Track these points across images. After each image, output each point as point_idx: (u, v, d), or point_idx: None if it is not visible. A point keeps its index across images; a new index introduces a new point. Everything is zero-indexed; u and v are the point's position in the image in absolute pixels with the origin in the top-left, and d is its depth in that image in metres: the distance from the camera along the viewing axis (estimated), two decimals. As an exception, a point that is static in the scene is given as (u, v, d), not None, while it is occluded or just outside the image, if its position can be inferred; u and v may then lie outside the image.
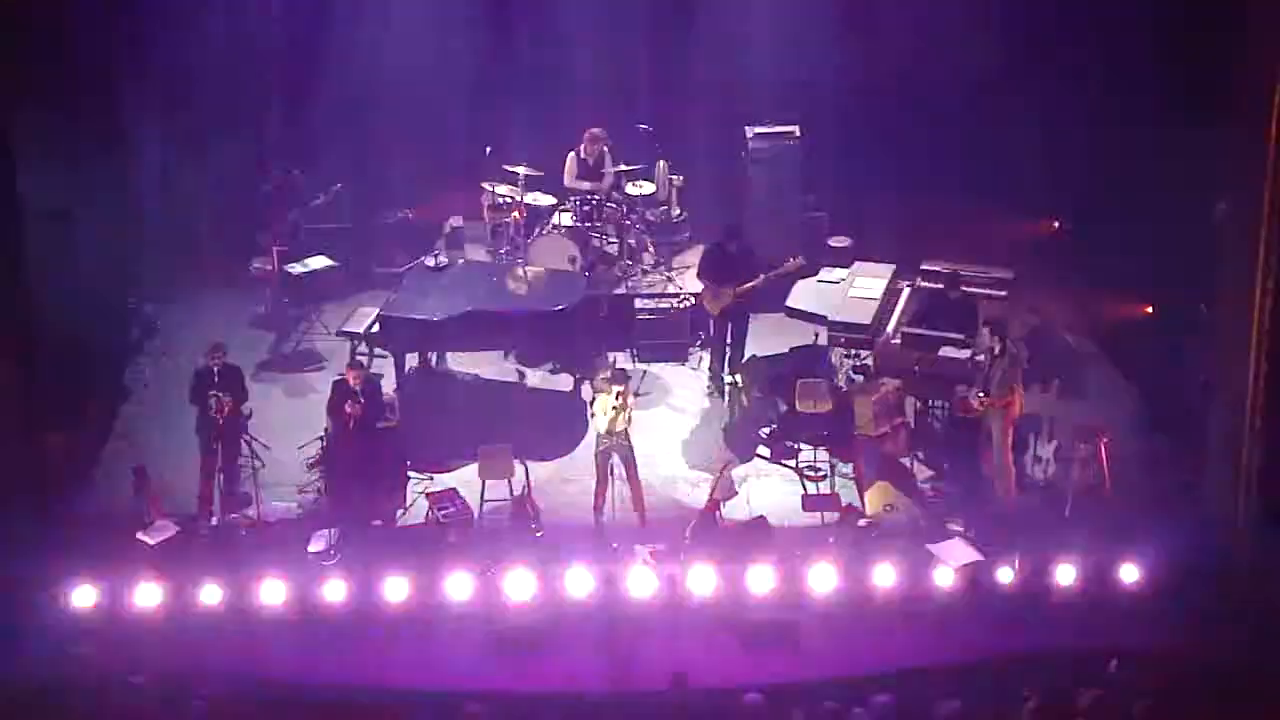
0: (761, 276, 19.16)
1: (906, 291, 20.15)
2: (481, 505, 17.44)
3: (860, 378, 19.05)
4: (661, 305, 20.51)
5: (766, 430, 18.81)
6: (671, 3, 21.87)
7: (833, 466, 18.07)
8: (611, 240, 21.38)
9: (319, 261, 21.06)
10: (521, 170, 20.87)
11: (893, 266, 20.59)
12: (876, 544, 16.70)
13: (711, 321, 19.60)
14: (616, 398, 16.85)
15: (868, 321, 19.50)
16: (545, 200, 21.23)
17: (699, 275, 19.67)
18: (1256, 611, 15.70)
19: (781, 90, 21.85)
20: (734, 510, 17.35)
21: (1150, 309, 19.88)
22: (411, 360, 19.46)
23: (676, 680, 14.44)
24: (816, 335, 19.41)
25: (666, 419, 19.20)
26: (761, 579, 16.22)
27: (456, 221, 21.81)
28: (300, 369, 20.15)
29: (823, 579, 16.22)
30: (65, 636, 15.65)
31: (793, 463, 18.39)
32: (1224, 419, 16.77)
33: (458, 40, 21.66)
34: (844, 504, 17.50)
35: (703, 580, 16.22)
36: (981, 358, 17.35)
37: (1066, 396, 18.44)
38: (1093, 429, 17.59)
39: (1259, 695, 14.36)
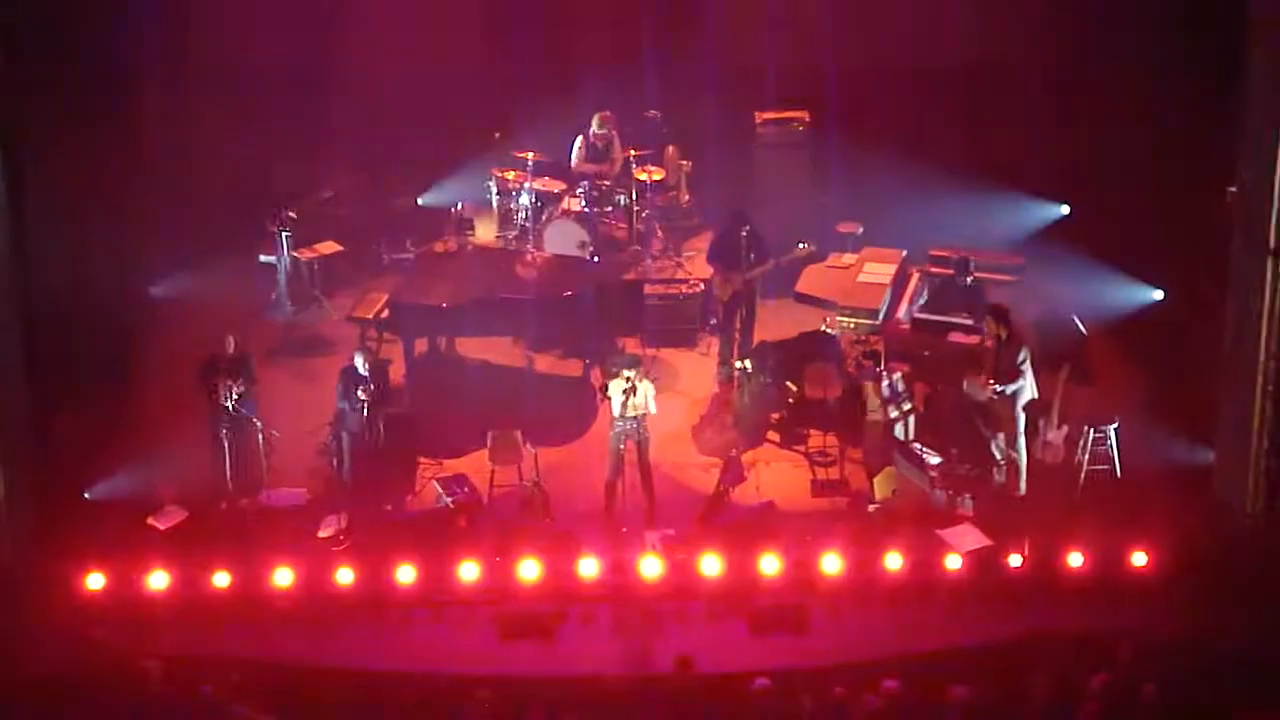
0: (771, 262, 19.16)
1: (916, 277, 20.16)
2: (491, 490, 17.45)
3: (869, 363, 19.04)
4: (671, 291, 20.51)
5: (776, 416, 18.81)
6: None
7: (842, 452, 18.06)
8: (620, 226, 21.38)
9: (328, 247, 21.07)
10: (530, 156, 20.87)
11: (902, 252, 20.61)
12: (885, 529, 16.71)
13: (721, 307, 19.59)
14: (627, 382, 16.85)
15: (877, 307, 19.49)
16: (554, 186, 21.24)
17: (708, 260, 19.66)
18: (1265, 596, 15.69)
19: (790, 76, 21.84)
20: (743, 495, 17.35)
21: (1160, 294, 19.86)
22: (421, 346, 19.46)
23: (683, 663, 14.45)
24: (826, 320, 19.39)
25: (676, 404, 19.19)
26: (771, 564, 16.23)
27: (466, 207, 21.81)
28: (309, 355, 20.17)
29: (832, 564, 16.22)
30: (76, 622, 15.67)
31: (802, 448, 18.38)
32: (1234, 404, 16.74)
33: (467, 25, 21.65)
34: (853, 489, 17.51)
35: (712, 566, 16.22)
36: (990, 343, 17.33)
37: (1076, 381, 18.39)
38: (1102, 414, 17.58)
39: (1267, 680, 14.36)
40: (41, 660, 15.01)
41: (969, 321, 18.26)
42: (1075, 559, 16.22)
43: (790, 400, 18.66)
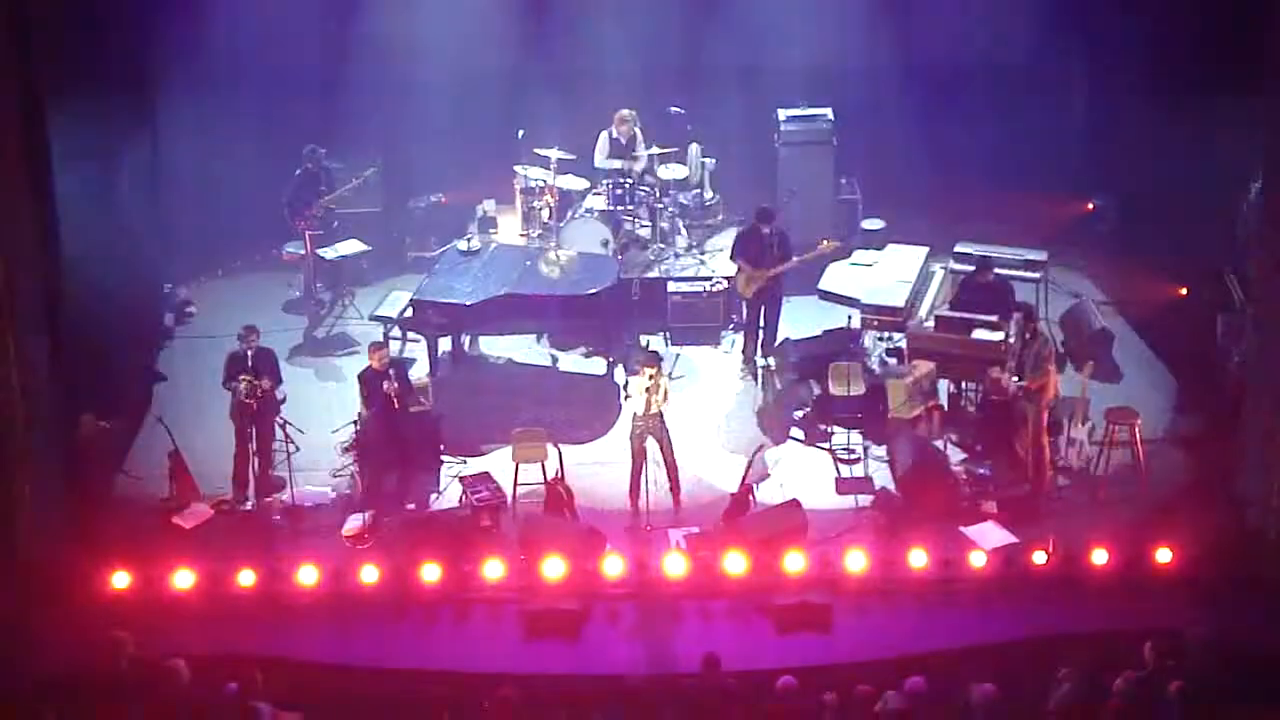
0: (794, 259, 19.16)
1: (940, 274, 20.14)
2: (515, 489, 17.47)
3: (893, 360, 19.03)
4: (694, 288, 20.52)
5: (799, 413, 18.80)
6: (704, -15, 21.87)
7: (866, 449, 18.05)
8: (644, 223, 21.38)
9: (351, 246, 21.12)
10: (554, 154, 20.89)
11: (926, 249, 20.58)
12: (910, 527, 16.70)
13: (744, 304, 19.60)
14: (649, 380, 16.85)
15: (901, 304, 19.48)
16: (578, 184, 21.25)
17: (732, 258, 19.66)
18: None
19: (814, 73, 21.84)
20: (767, 493, 17.34)
21: (1184, 290, 19.81)
22: (444, 344, 19.49)
23: (708, 663, 14.45)
24: (850, 318, 19.39)
25: (699, 402, 19.19)
26: (795, 562, 16.22)
27: (489, 205, 21.84)
28: (333, 353, 20.23)
29: (856, 562, 16.21)
30: (102, 620, 15.71)
31: (826, 445, 18.38)
32: (1258, 400, 16.69)
33: (490, 23, 21.65)
34: (877, 487, 17.52)
35: (736, 563, 16.22)
36: (1014, 341, 17.30)
37: (1100, 378, 18.36)
38: (1127, 411, 17.54)
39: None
40: (67, 659, 15.04)
41: (993, 318, 18.22)
42: (1100, 556, 16.18)
43: (814, 397, 18.63)
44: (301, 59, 21.02)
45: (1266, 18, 16.28)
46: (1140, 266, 20.24)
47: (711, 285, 20.45)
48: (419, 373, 18.90)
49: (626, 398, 17.35)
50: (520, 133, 21.29)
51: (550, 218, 20.87)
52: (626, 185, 21.06)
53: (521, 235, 21.53)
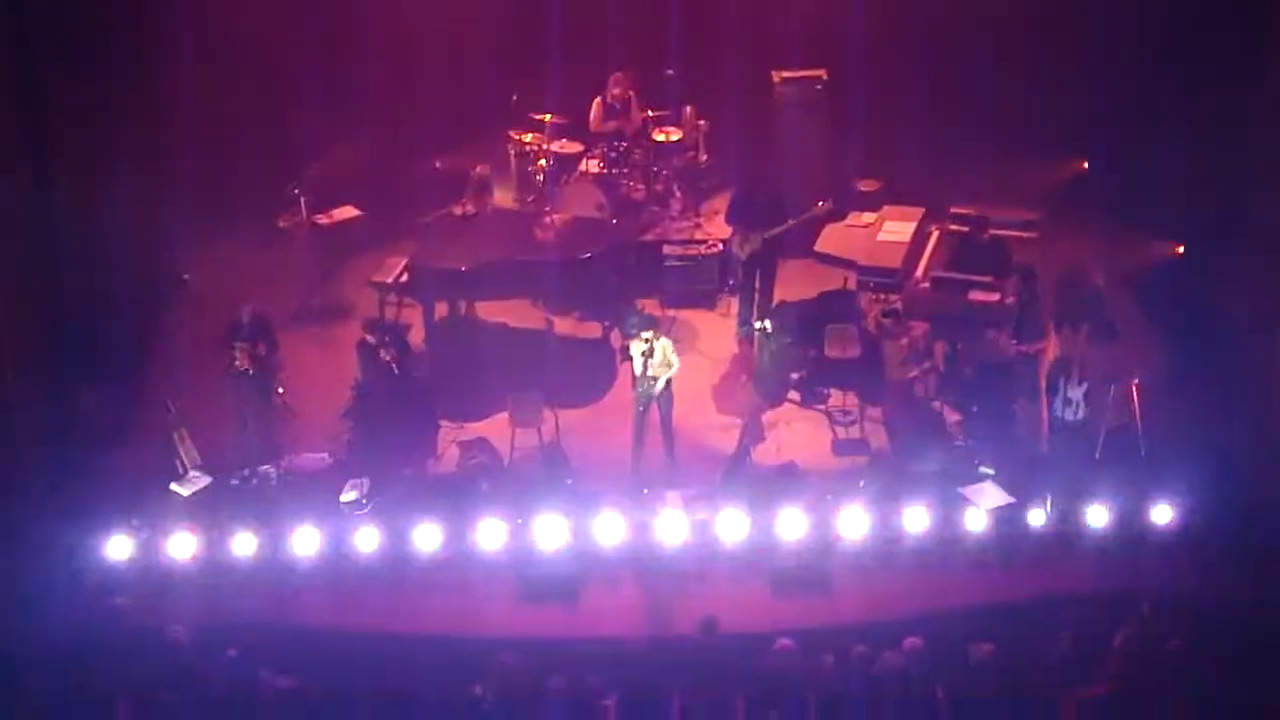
0: (790, 221, 19.13)
1: (935, 235, 20.12)
2: (512, 453, 17.47)
3: (890, 321, 19.01)
4: (689, 251, 20.47)
5: (796, 375, 18.79)
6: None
7: (862, 411, 18.06)
8: (639, 187, 21.34)
9: (347, 212, 21.08)
10: (547, 118, 20.83)
11: (921, 210, 20.55)
12: (907, 488, 16.73)
13: (740, 267, 19.56)
14: (645, 344, 16.84)
15: (897, 265, 19.45)
16: (572, 148, 21.21)
17: (727, 220, 19.63)
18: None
19: (808, 34, 21.75)
20: (764, 455, 17.36)
21: (1180, 249, 19.80)
22: (441, 309, 19.47)
23: (705, 624, 14.48)
24: (846, 280, 19.36)
25: (696, 365, 19.18)
26: (792, 524, 16.24)
27: (484, 170, 21.79)
28: (330, 320, 20.18)
29: (854, 523, 16.24)
30: (101, 589, 15.74)
31: (822, 407, 18.38)
32: (1255, 360, 16.71)
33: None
34: (874, 449, 17.54)
35: (733, 526, 16.24)
36: (1011, 300, 17.29)
37: (1096, 339, 18.35)
38: (1123, 371, 17.54)
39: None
40: (67, 627, 15.07)
41: (989, 279, 18.21)
42: (1097, 516, 16.21)
43: (810, 360, 18.63)
44: (296, 24, 20.94)
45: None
46: (1136, 225, 20.20)
47: (707, 248, 20.41)
48: (415, 338, 18.88)
49: (624, 361, 17.33)
50: (514, 97, 21.22)
51: (545, 182, 20.82)
52: (621, 149, 21.02)
53: (516, 200, 21.48)
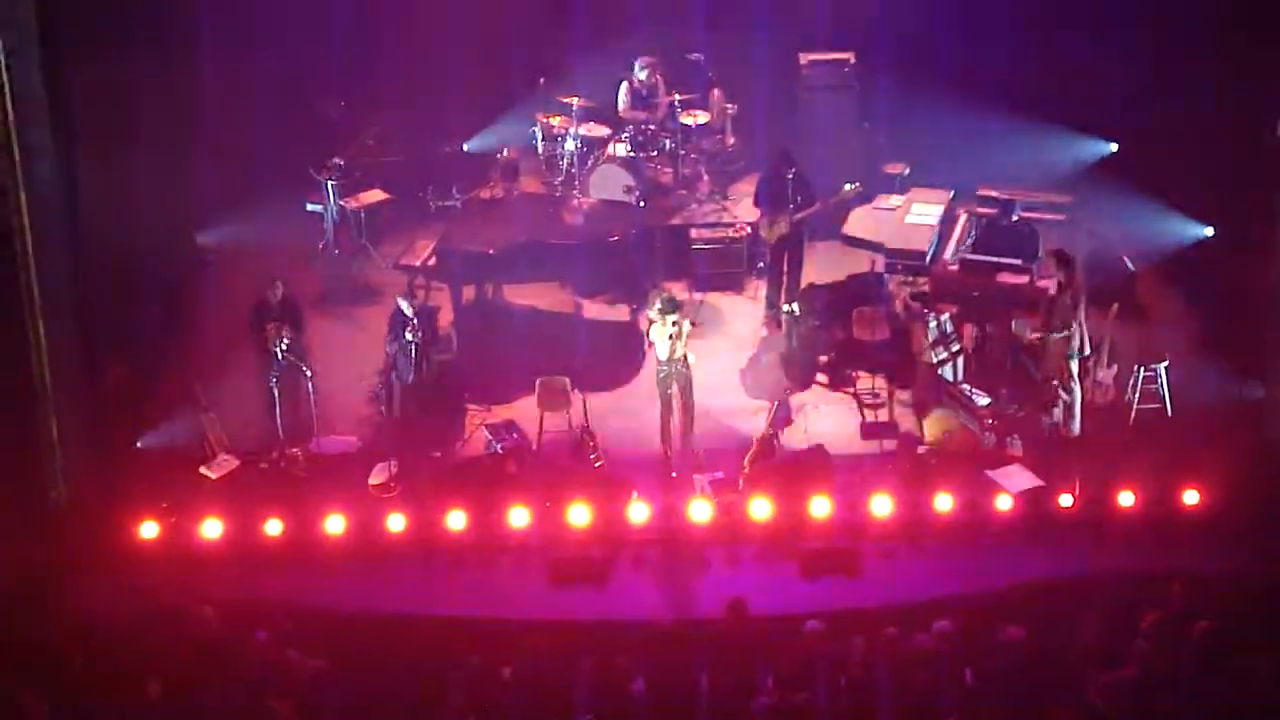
0: (818, 204, 19.11)
1: (964, 217, 20.08)
2: (540, 436, 17.49)
3: (918, 304, 18.97)
4: (717, 234, 20.45)
5: (824, 358, 18.77)
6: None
7: (891, 394, 18.03)
8: (666, 170, 21.33)
9: (375, 195, 21.09)
10: (575, 101, 20.83)
11: (950, 192, 20.50)
12: (936, 470, 16.71)
13: (767, 250, 19.54)
14: (673, 326, 16.83)
15: (925, 248, 19.41)
16: (600, 131, 21.20)
17: (755, 203, 19.62)
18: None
19: (836, 16, 21.71)
20: (792, 439, 17.35)
21: (1210, 230, 19.72)
22: (469, 293, 19.48)
23: (734, 607, 14.47)
24: (874, 263, 19.33)
25: (723, 348, 19.18)
26: (820, 507, 16.23)
27: (511, 153, 21.80)
28: (358, 303, 20.21)
29: (882, 506, 16.22)
30: (131, 570, 15.80)
31: (851, 390, 18.35)
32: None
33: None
34: (902, 431, 17.51)
35: (761, 509, 16.24)
36: (1043, 284, 17.26)
37: (1126, 320, 18.31)
38: (1152, 352, 17.50)
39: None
40: (97, 608, 15.13)
41: (1017, 261, 18.16)
42: (1126, 498, 16.19)
43: (838, 342, 18.60)
44: (324, 6, 20.96)
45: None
46: (1165, 206, 20.12)
47: (734, 231, 20.39)
48: (443, 321, 18.89)
49: (649, 345, 17.34)
50: (541, 80, 21.21)
51: (573, 165, 20.83)
52: (649, 132, 21.01)
53: (544, 183, 21.49)
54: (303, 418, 17.59)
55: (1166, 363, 17.36)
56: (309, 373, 17.46)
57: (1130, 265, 19.42)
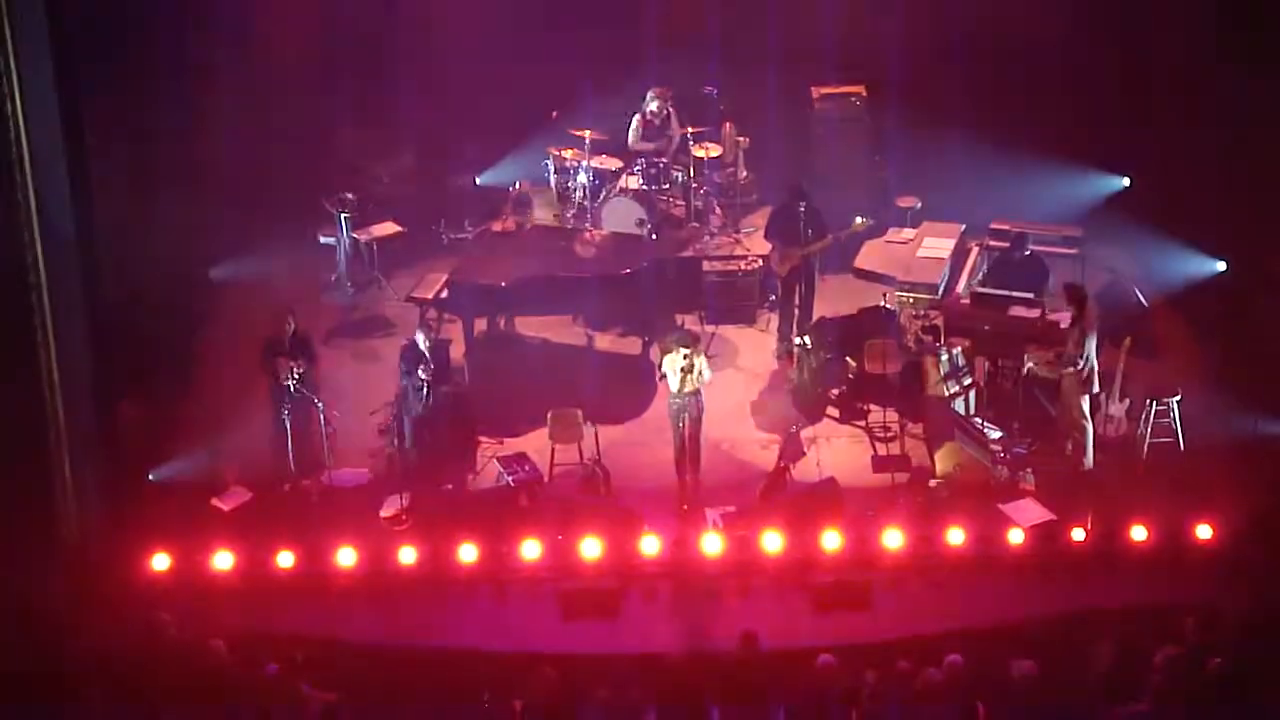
0: (829, 237, 19.13)
1: (975, 251, 20.09)
2: (552, 468, 17.48)
3: (929, 338, 18.98)
4: (729, 267, 20.48)
5: (835, 391, 18.76)
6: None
7: (902, 427, 18.03)
8: (678, 203, 21.36)
9: (386, 228, 21.13)
10: (587, 134, 20.88)
11: (961, 226, 20.52)
12: (948, 504, 16.69)
13: (779, 283, 19.56)
14: (684, 359, 16.83)
15: (936, 281, 19.43)
16: (612, 164, 21.24)
17: (766, 237, 19.64)
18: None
19: (848, 50, 21.78)
20: (804, 471, 17.34)
21: (1222, 265, 19.72)
22: (480, 325, 19.50)
23: (746, 640, 14.45)
24: (885, 296, 19.34)
25: (735, 381, 19.18)
26: (832, 540, 16.21)
27: (523, 186, 21.85)
28: (370, 336, 20.24)
29: (894, 539, 16.20)
30: (142, 602, 15.78)
31: (862, 423, 18.34)
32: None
33: (524, 3, 21.68)
34: (914, 464, 17.49)
35: (773, 542, 16.22)
36: (1054, 317, 17.26)
37: (1138, 354, 18.30)
38: (1165, 386, 17.48)
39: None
40: (108, 641, 15.11)
41: (1029, 295, 18.16)
42: (1139, 532, 16.15)
43: (850, 376, 18.61)
44: (338, 42, 21.07)
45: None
46: (1177, 240, 20.12)
47: (746, 264, 20.41)
48: (455, 354, 18.91)
49: (661, 377, 17.34)
50: (554, 114, 21.26)
51: (584, 198, 20.87)
52: (661, 165, 21.05)
53: (556, 216, 21.52)
54: (314, 450, 17.60)
55: (1179, 397, 17.34)
56: (321, 405, 17.48)
57: (1143, 299, 19.40)
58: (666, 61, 21.66)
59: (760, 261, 20.23)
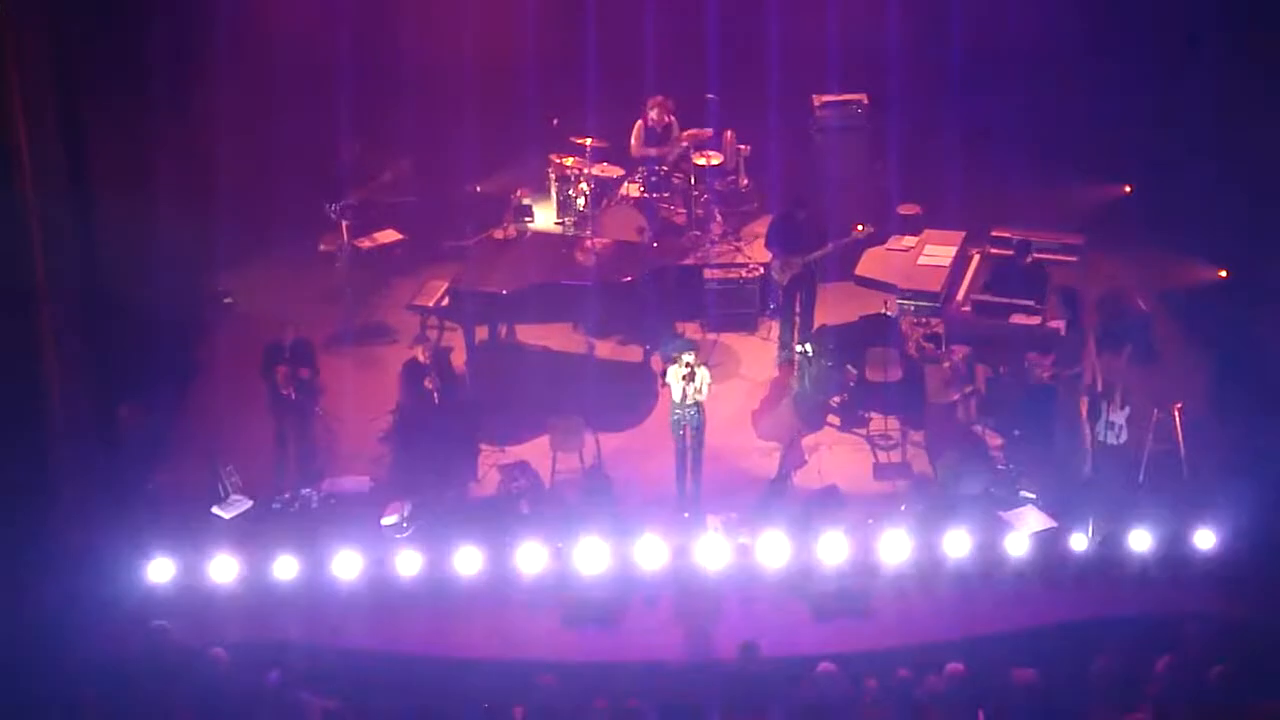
0: (830, 245, 19.13)
1: (976, 258, 20.08)
2: (553, 476, 17.48)
3: (930, 345, 18.98)
4: (730, 275, 20.46)
5: (837, 399, 18.77)
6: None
7: (904, 435, 18.02)
8: (679, 211, 21.36)
9: (388, 235, 21.14)
10: (588, 142, 20.88)
11: (962, 233, 20.51)
12: (948, 512, 16.69)
13: (780, 291, 19.56)
14: (685, 368, 16.84)
15: (938, 289, 19.43)
16: (613, 172, 21.24)
17: (767, 244, 19.64)
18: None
19: (849, 58, 21.80)
20: (805, 479, 17.34)
21: (1224, 273, 19.72)
22: (481, 333, 19.51)
23: (747, 648, 14.45)
24: (886, 304, 19.35)
25: (736, 389, 19.18)
26: (833, 548, 16.21)
27: (524, 194, 21.86)
28: (370, 343, 20.22)
29: (895, 547, 16.20)
30: (143, 610, 15.79)
31: (863, 431, 18.35)
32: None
33: (524, 10, 21.70)
34: (915, 472, 17.50)
35: (774, 550, 16.22)
36: (1054, 325, 17.26)
37: (1139, 362, 18.30)
38: (1166, 395, 17.48)
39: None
40: (109, 649, 15.12)
41: (1030, 303, 18.17)
42: (1140, 541, 16.14)
43: (851, 384, 18.62)
44: (339, 49, 21.07)
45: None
46: (1178, 249, 20.13)
47: (747, 272, 20.41)
48: (456, 362, 18.91)
49: (663, 385, 17.35)
50: (555, 121, 21.27)
51: (585, 206, 20.86)
52: (661, 172, 21.05)
53: (557, 223, 21.53)
54: (315, 458, 17.60)
55: (1180, 405, 17.33)
56: (321, 413, 17.48)
57: (1144, 307, 19.41)
58: (667, 69, 21.64)
59: (761, 269, 20.22)
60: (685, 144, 21.15)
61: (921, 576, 16.17)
